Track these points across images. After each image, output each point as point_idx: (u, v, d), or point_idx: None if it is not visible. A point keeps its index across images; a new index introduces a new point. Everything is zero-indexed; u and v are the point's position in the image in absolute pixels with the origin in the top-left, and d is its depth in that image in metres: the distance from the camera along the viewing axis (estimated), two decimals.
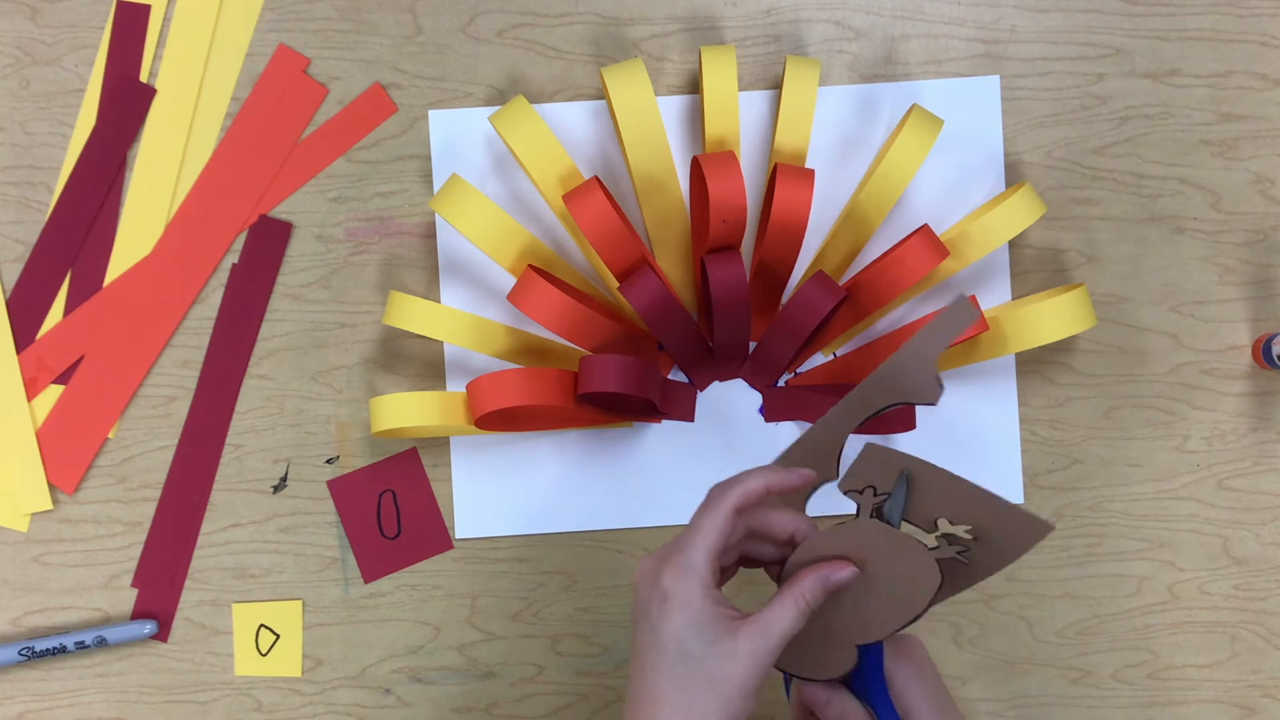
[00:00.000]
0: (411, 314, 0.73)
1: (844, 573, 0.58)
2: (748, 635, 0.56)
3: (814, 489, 0.63)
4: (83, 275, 0.77)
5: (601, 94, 0.77)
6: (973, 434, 0.76)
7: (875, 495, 0.60)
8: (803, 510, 0.63)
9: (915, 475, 0.59)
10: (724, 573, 0.60)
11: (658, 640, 0.56)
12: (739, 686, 0.55)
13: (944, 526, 0.59)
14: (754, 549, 0.61)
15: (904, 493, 0.59)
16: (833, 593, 0.58)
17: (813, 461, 0.62)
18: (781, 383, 0.77)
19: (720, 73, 0.72)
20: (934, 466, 0.59)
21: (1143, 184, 0.77)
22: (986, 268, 0.76)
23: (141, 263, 0.77)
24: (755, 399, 0.77)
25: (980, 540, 0.59)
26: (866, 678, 0.61)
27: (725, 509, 0.57)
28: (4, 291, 0.77)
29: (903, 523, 0.59)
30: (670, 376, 0.77)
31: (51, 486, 0.77)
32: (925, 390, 0.61)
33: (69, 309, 0.77)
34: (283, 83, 0.77)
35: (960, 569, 0.59)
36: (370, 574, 0.77)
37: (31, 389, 0.77)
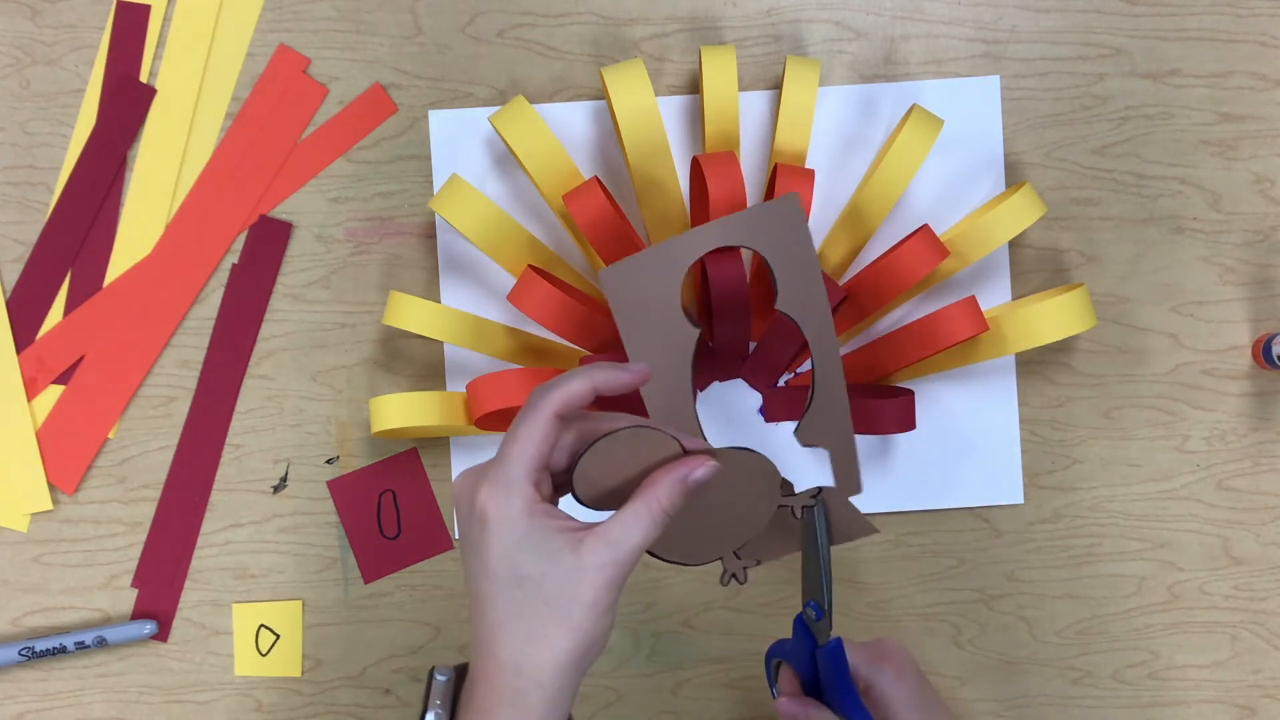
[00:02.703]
0: (411, 314, 0.73)
1: (703, 469, 0.52)
2: (592, 549, 0.50)
3: (658, 393, 0.58)
4: (83, 275, 0.77)
5: (601, 94, 0.77)
6: (973, 434, 0.76)
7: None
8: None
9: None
10: (562, 487, 0.54)
11: (485, 567, 0.50)
12: (588, 605, 0.49)
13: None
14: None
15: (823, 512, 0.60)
16: (693, 494, 0.53)
17: (659, 357, 0.57)
18: (781, 383, 0.77)
19: (720, 73, 0.72)
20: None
21: (1143, 184, 0.77)
22: (986, 268, 0.76)
23: (141, 263, 0.77)
24: (755, 399, 0.77)
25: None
26: (835, 684, 0.61)
27: (545, 414, 0.51)
28: (4, 291, 0.77)
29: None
30: None
31: (51, 486, 0.77)
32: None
33: (69, 309, 0.77)
34: (283, 83, 0.77)
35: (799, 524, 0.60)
36: (370, 574, 0.77)
37: (31, 389, 0.77)
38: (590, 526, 0.51)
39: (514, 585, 0.50)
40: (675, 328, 0.58)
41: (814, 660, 0.63)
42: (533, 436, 0.51)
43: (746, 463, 0.56)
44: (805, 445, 0.60)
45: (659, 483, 0.52)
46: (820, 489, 0.60)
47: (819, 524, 0.60)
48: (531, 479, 0.51)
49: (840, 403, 0.60)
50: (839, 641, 0.62)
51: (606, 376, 0.52)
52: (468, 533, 0.51)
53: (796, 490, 0.60)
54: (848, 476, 0.61)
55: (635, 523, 0.51)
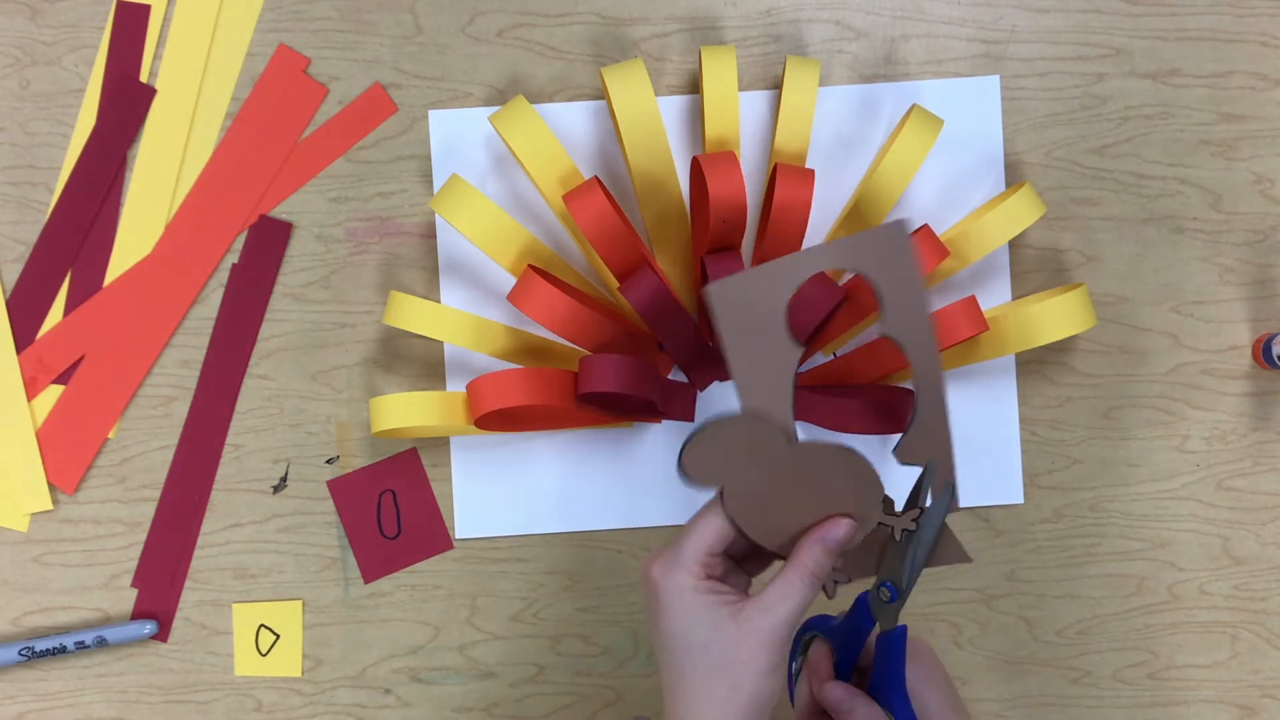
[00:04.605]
0: (411, 314, 0.73)
1: (840, 529, 0.58)
2: (751, 615, 0.55)
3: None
4: (83, 275, 0.77)
5: (601, 94, 0.77)
6: (973, 434, 0.76)
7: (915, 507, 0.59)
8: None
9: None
10: (737, 566, 0.60)
11: (661, 636, 0.56)
12: (749, 667, 0.55)
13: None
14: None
15: (947, 501, 0.59)
16: (837, 552, 0.58)
17: (762, 375, 0.59)
18: None
19: (720, 73, 0.72)
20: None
21: (1143, 184, 0.77)
22: (986, 268, 0.76)
23: (141, 263, 0.77)
24: None
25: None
26: (888, 681, 0.60)
27: (718, 509, 0.57)
28: (4, 291, 0.77)
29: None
30: (670, 376, 0.77)
31: (51, 486, 0.77)
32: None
33: (69, 309, 0.77)
34: (283, 83, 0.77)
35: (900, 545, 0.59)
36: (370, 574, 0.77)
37: (31, 389, 0.77)
38: (751, 597, 0.56)
39: (685, 653, 0.56)
40: (780, 346, 0.58)
41: (859, 644, 0.61)
42: (708, 524, 0.57)
43: (854, 466, 0.57)
44: (904, 464, 0.60)
45: (803, 549, 0.57)
46: (922, 511, 0.59)
47: (918, 543, 0.59)
48: (700, 559, 0.57)
49: (943, 426, 0.60)
50: (904, 629, 0.60)
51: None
52: (647, 607, 0.58)
53: (897, 509, 0.59)
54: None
55: (787, 590, 0.56)
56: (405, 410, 0.72)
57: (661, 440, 0.77)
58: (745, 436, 0.57)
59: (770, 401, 0.58)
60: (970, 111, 0.77)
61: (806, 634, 0.65)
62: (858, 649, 0.62)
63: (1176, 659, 0.77)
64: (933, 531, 0.59)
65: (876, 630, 0.61)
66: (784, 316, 0.58)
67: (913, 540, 0.59)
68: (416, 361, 0.77)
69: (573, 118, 0.77)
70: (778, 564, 0.60)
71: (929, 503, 0.59)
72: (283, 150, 0.77)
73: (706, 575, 0.57)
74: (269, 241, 0.77)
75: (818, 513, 0.58)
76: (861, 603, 0.61)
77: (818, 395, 0.75)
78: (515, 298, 0.71)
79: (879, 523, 0.59)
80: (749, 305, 0.58)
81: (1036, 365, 0.77)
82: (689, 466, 0.57)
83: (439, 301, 0.77)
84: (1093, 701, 0.77)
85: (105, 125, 0.77)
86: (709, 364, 0.76)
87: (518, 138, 0.72)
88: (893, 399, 0.72)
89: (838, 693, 0.61)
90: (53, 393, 0.77)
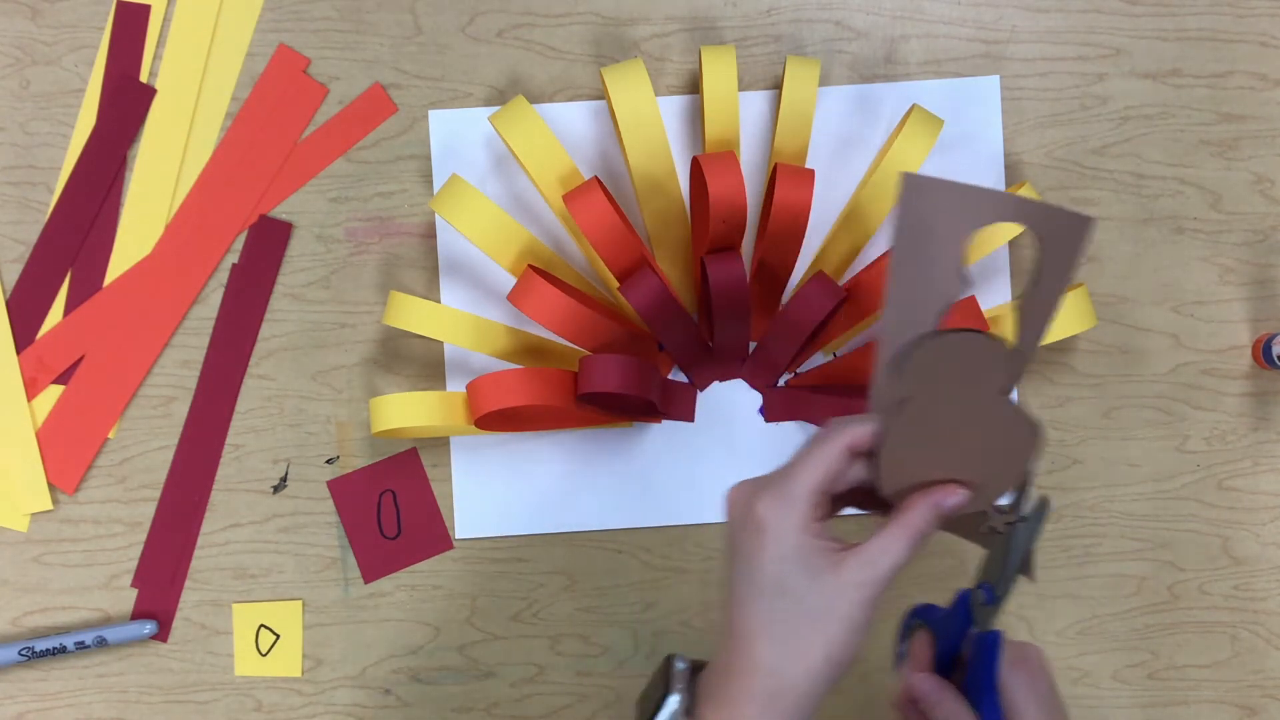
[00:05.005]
0: (411, 314, 0.73)
1: (955, 497, 0.55)
2: (852, 567, 0.53)
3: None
4: (83, 275, 0.77)
5: (601, 94, 0.77)
6: None
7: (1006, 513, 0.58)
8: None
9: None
10: (825, 511, 0.57)
11: (751, 574, 0.53)
12: (845, 621, 0.53)
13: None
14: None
15: (1041, 518, 0.57)
16: (945, 519, 0.55)
17: (917, 297, 0.55)
18: (781, 383, 0.77)
19: (720, 73, 0.72)
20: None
21: (1143, 184, 0.77)
22: (986, 268, 0.76)
23: (141, 263, 0.77)
24: (755, 399, 0.77)
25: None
26: (980, 682, 0.59)
27: (840, 443, 0.54)
28: (4, 291, 0.77)
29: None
30: (670, 376, 0.77)
31: (51, 486, 0.77)
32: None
33: (69, 309, 0.77)
34: (283, 83, 0.77)
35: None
36: (370, 574, 0.77)
37: (31, 389, 0.77)
38: (852, 547, 0.54)
39: (778, 594, 0.53)
40: (948, 275, 0.55)
41: (959, 639, 0.60)
42: (824, 459, 0.54)
43: (1023, 441, 0.55)
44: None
45: (914, 507, 0.55)
46: (1021, 517, 0.57)
47: (1014, 548, 0.58)
48: (812, 498, 0.54)
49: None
50: (999, 634, 0.59)
51: None
52: (738, 538, 0.54)
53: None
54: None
55: (892, 544, 0.54)
56: (405, 410, 0.72)
57: (661, 440, 0.77)
58: (969, 360, 0.54)
59: (910, 330, 0.55)
60: (970, 111, 0.77)
61: (914, 621, 0.64)
62: (958, 644, 0.61)
63: (1176, 659, 0.77)
64: (1028, 541, 0.58)
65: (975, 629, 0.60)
66: (961, 246, 0.54)
67: (1009, 545, 0.58)
68: (416, 361, 0.77)
69: (573, 118, 0.77)
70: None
71: (1024, 511, 0.57)
72: (283, 150, 0.77)
73: (816, 516, 0.54)
74: (269, 241, 0.77)
75: (948, 470, 0.56)
76: (963, 600, 0.60)
77: (818, 395, 0.75)
78: (515, 298, 0.71)
79: (981, 510, 0.57)
80: (933, 213, 0.54)
81: (1036, 365, 0.77)
82: (900, 362, 0.54)
83: (439, 301, 0.77)
84: (1092, 701, 0.77)
85: (105, 125, 0.77)
86: (709, 364, 0.76)
87: (518, 138, 0.72)
88: None
89: (927, 685, 0.59)
90: (53, 393, 0.77)
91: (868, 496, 0.57)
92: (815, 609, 0.53)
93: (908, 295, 0.55)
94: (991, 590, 0.58)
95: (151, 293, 0.77)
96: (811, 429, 0.76)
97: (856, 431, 0.55)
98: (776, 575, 0.53)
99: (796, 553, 0.53)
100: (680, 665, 0.58)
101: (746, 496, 0.55)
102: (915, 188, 0.54)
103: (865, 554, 0.53)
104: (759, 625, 0.53)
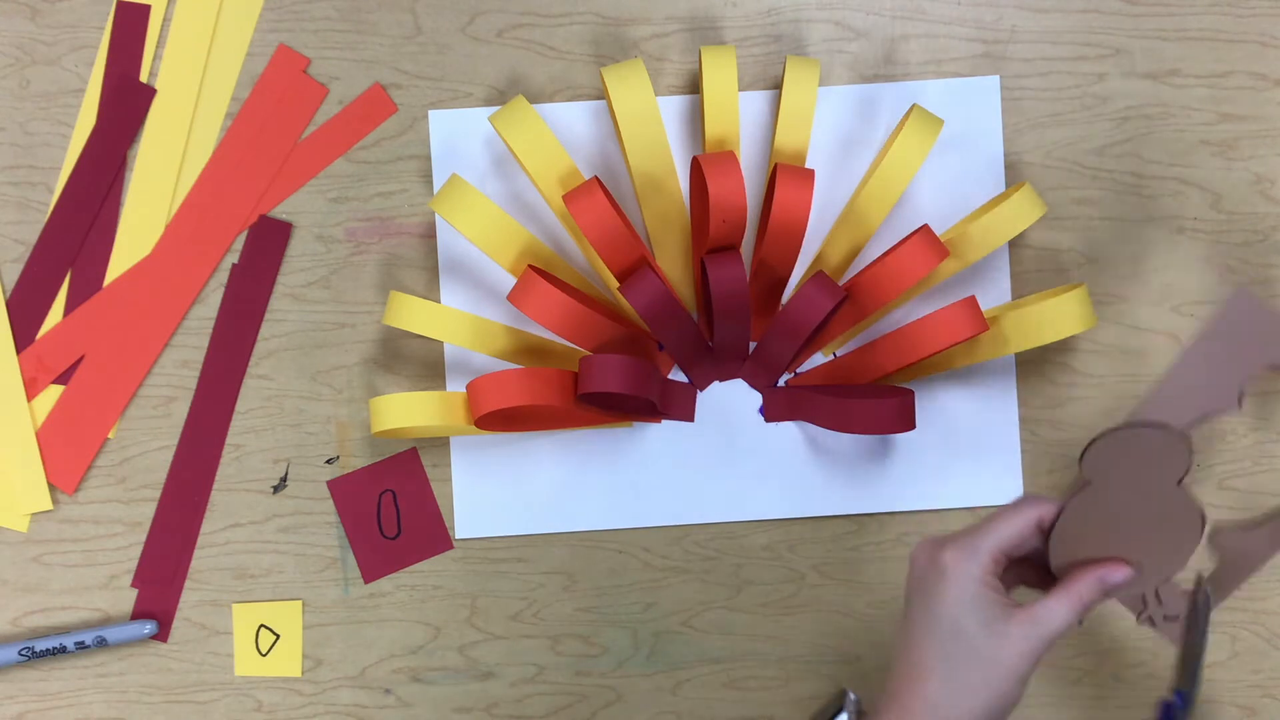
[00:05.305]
0: (411, 314, 0.73)
1: (1119, 575, 0.60)
2: (1022, 622, 0.57)
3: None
4: (83, 275, 0.77)
5: (601, 94, 0.77)
6: (973, 434, 0.76)
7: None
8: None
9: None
10: (1005, 577, 0.61)
11: (930, 614, 0.58)
12: (1009, 670, 0.57)
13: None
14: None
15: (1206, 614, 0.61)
16: (1110, 594, 0.60)
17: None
18: (781, 383, 0.77)
19: (720, 73, 0.72)
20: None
21: (1143, 184, 0.77)
22: (986, 268, 0.76)
23: (141, 263, 0.77)
24: (755, 399, 0.77)
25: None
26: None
27: (1029, 513, 0.59)
28: (4, 291, 0.77)
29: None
30: (670, 376, 0.77)
31: (51, 486, 0.77)
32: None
33: (69, 309, 0.77)
34: (283, 83, 0.77)
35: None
36: (370, 574, 0.77)
37: (31, 389, 0.77)
38: (1023, 605, 0.58)
39: (951, 636, 0.57)
40: (1226, 392, 0.59)
41: None
42: (1013, 522, 0.59)
43: (1190, 532, 0.59)
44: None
45: (1082, 579, 0.59)
46: (1183, 619, 0.61)
47: (1205, 607, 0.61)
48: (994, 555, 0.58)
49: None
50: None
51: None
52: (922, 582, 0.59)
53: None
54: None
55: (1058, 608, 0.58)
56: (405, 410, 0.72)
57: (661, 440, 0.77)
58: (1158, 451, 0.57)
59: (1169, 415, 0.58)
60: (970, 111, 0.77)
61: None
62: None
63: None
64: (1202, 642, 0.61)
65: None
66: (1254, 372, 0.58)
67: (1195, 652, 0.61)
68: (416, 361, 0.77)
69: (573, 118, 0.77)
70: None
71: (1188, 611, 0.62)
72: (283, 150, 0.77)
73: (994, 572, 0.59)
74: (269, 241, 0.77)
75: (1114, 550, 0.59)
76: (1165, 712, 0.63)
77: (818, 395, 0.75)
78: (515, 298, 0.71)
79: (1141, 594, 0.61)
80: (1247, 334, 0.59)
81: (1036, 365, 0.77)
82: (1099, 447, 0.57)
83: (439, 301, 0.77)
84: (1092, 702, 0.77)
85: (105, 125, 0.77)
86: (709, 364, 0.76)
87: (518, 138, 0.72)
88: (893, 399, 0.72)
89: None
90: (53, 393, 0.77)
91: (1033, 573, 0.61)
92: (985, 655, 0.57)
93: (1181, 388, 0.59)
94: (1184, 696, 0.62)
95: (151, 293, 0.77)
96: (811, 429, 0.76)
97: (1046, 506, 0.59)
98: (954, 618, 0.57)
99: (974, 600, 0.57)
100: (853, 696, 0.66)
101: (933, 546, 0.60)
102: (1243, 304, 0.58)
103: (1035, 613, 0.58)
104: (932, 662, 0.57)
